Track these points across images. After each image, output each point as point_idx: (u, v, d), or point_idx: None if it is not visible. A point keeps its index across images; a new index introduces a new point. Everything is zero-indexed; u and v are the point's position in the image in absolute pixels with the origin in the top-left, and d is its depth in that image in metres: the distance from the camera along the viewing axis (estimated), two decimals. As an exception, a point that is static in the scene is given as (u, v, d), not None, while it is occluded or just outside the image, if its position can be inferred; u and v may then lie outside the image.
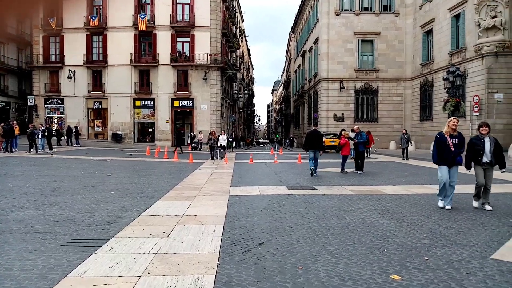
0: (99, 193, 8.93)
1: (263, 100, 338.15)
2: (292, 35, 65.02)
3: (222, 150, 19.43)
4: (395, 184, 11.10)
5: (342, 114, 35.81)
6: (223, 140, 20.22)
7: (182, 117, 37.00)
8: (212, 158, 19.18)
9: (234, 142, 39.84)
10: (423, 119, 33.48)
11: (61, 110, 36.69)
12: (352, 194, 9.16)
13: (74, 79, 35.77)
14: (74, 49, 35.68)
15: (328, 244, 5.00)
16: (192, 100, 35.39)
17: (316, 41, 39.41)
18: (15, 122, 23.52)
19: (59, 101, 36.49)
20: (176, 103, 35.56)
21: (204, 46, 35.12)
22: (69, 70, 35.57)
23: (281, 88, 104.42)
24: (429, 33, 32.57)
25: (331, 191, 9.69)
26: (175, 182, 11.28)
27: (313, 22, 41.57)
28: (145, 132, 37.45)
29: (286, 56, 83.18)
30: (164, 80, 35.33)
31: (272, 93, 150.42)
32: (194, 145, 31.56)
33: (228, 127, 41.81)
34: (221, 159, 18.80)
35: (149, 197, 8.57)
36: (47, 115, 36.66)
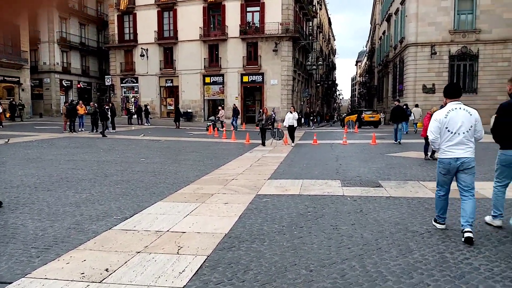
0: (102, 187, 7.31)
1: (346, 73, 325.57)
2: (377, -1, 58.90)
3: (280, 130, 16.67)
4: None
5: (433, 84, 30.86)
6: (291, 119, 15.81)
7: (252, 93, 35.18)
8: (263, 144, 15.47)
9: (315, 118, 37.10)
10: (538, 88, 27.39)
11: (135, 89, 37.13)
12: (432, 198, 6.31)
13: (147, 57, 35.71)
14: (146, 27, 35.47)
15: (361, 331, 2.57)
16: (262, 74, 33.25)
17: (403, 1, 34.36)
18: (81, 102, 23.60)
19: (134, 80, 36.89)
20: (245, 79, 33.76)
21: (275, 14, 32.48)
22: (141, 48, 35.57)
23: (365, 59, 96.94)
24: (550, -21, 26.10)
25: (401, 190, 6.93)
26: (207, 170, 9.36)
27: (399, -20, 36.31)
28: (216, 109, 36.38)
29: (371, 23, 76.39)
30: (233, 54, 33.62)
31: (356, 64, 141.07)
32: (209, 123, 24.45)
33: (302, 103, 39.03)
34: (279, 139, 16.28)
35: (154, 194, 6.71)
36: (123, 94, 37.44)
